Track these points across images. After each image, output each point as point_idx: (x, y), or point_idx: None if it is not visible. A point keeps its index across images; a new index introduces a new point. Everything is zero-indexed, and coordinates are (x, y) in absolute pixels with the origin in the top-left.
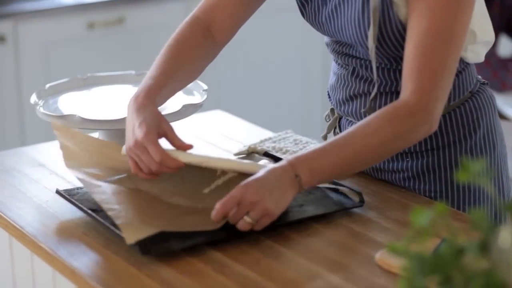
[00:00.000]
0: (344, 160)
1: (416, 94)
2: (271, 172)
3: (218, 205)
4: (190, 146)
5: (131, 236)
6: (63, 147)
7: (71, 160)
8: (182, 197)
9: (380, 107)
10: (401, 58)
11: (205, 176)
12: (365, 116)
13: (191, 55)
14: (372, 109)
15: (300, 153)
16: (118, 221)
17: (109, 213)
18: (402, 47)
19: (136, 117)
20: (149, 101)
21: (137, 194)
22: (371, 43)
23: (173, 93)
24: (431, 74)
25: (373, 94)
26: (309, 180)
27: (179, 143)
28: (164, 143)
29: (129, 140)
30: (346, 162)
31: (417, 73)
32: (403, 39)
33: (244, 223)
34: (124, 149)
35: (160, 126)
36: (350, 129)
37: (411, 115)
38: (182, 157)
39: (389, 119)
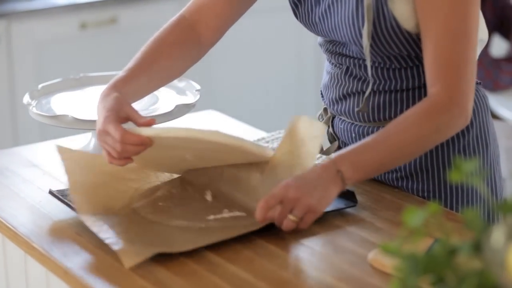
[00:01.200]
0: (385, 154)
1: (446, 91)
2: (313, 169)
3: (260, 203)
4: (153, 121)
5: (130, 260)
6: (68, 172)
7: (78, 194)
8: (184, 220)
9: (374, 106)
10: (395, 57)
11: (210, 206)
12: (358, 114)
13: (170, 50)
14: (365, 108)
15: (346, 150)
16: (115, 247)
17: (107, 241)
18: (397, 45)
19: (99, 107)
20: (113, 90)
21: (136, 221)
22: (365, 41)
23: (149, 87)
24: (456, 71)
25: (367, 93)
26: (352, 175)
27: (142, 121)
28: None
29: (97, 129)
30: (388, 157)
31: (442, 72)
32: (398, 36)
33: (288, 222)
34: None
35: (122, 110)
36: (388, 125)
37: (446, 111)
38: (144, 131)
39: (426, 114)
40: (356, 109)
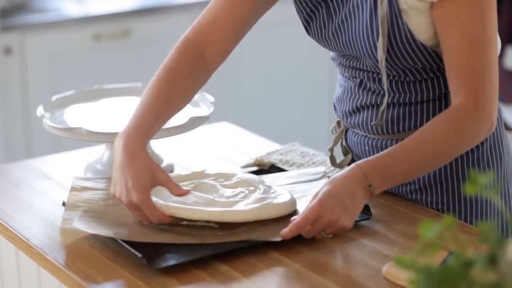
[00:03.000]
0: (413, 166)
1: (471, 99)
2: (344, 185)
3: (293, 227)
4: (187, 191)
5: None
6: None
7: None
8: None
9: (388, 118)
10: (410, 70)
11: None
12: (372, 127)
13: (182, 86)
14: (381, 122)
15: (372, 159)
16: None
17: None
18: (412, 58)
19: (128, 172)
20: (140, 148)
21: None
22: (380, 54)
23: (160, 127)
24: (479, 78)
25: (383, 106)
26: (380, 188)
27: (178, 191)
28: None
29: (122, 193)
30: (416, 168)
31: (466, 81)
32: (413, 49)
33: (315, 234)
34: None
35: (154, 179)
36: (413, 136)
37: (472, 119)
38: (179, 212)
39: (453, 123)
40: (373, 123)
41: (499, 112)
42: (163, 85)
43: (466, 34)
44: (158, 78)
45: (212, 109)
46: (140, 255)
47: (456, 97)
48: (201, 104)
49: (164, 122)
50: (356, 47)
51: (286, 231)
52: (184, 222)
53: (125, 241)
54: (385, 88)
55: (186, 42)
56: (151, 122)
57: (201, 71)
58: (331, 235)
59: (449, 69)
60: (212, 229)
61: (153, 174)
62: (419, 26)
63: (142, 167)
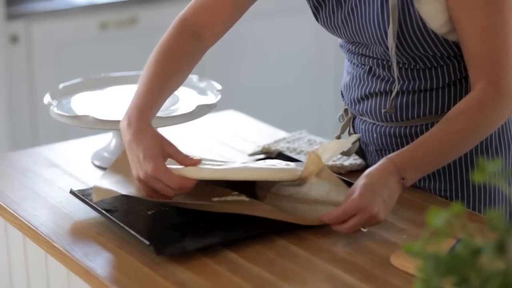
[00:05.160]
0: (443, 155)
1: (492, 85)
2: (379, 179)
3: (331, 217)
4: (199, 161)
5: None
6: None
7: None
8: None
9: (397, 106)
10: (420, 57)
11: (217, 190)
12: (380, 114)
13: (181, 64)
14: (392, 109)
15: (403, 152)
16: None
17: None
18: (422, 45)
19: (137, 147)
20: (145, 124)
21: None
22: (391, 42)
23: (161, 104)
24: (499, 63)
25: (394, 93)
26: (413, 180)
27: (188, 161)
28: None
29: (137, 170)
30: (445, 157)
31: (485, 67)
32: (424, 36)
33: (353, 229)
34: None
35: (164, 151)
36: (440, 125)
37: (496, 104)
38: (196, 173)
39: (477, 111)
40: (383, 110)
41: None
42: (162, 64)
43: (484, 22)
44: (157, 57)
45: (219, 97)
46: (147, 242)
47: (477, 83)
48: (208, 92)
49: (164, 99)
50: (366, 34)
51: (325, 218)
52: (215, 199)
53: (134, 228)
54: (395, 75)
55: (184, 22)
56: (152, 99)
57: (197, 51)
58: (366, 230)
59: (468, 57)
60: (244, 203)
61: (162, 144)
62: (431, 13)
63: (150, 139)
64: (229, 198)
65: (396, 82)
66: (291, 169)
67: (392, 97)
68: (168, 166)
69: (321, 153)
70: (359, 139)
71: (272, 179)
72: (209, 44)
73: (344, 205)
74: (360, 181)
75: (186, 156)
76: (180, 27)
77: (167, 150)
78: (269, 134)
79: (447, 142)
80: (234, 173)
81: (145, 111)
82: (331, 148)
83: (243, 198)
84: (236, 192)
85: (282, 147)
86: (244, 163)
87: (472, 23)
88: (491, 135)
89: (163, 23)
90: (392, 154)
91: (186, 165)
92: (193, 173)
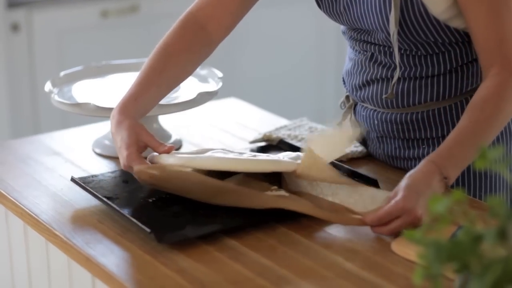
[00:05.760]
0: (476, 148)
1: (506, 69)
2: (422, 180)
3: (374, 218)
4: (172, 148)
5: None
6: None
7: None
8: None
9: (398, 92)
10: (421, 44)
11: (254, 184)
12: (381, 101)
13: (178, 57)
14: (392, 95)
15: (440, 151)
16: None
17: None
18: (424, 32)
19: (115, 138)
20: (124, 116)
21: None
22: (392, 28)
23: (159, 97)
24: (510, 47)
25: (395, 79)
26: (454, 177)
27: (162, 149)
28: None
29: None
30: (477, 148)
31: (497, 52)
32: (425, 23)
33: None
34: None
35: (140, 140)
36: (468, 117)
37: None
38: (166, 161)
39: (498, 96)
40: (384, 96)
41: None
42: (158, 57)
43: (491, 6)
44: (155, 51)
45: (220, 84)
46: (148, 230)
47: (490, 70)
48: (209, 79)
49: (160, 92)
50: (368, 20)
51: (367, 220)
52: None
53: (135, 216)
54: (397, 61)
55: (188, 16)
56: (137, 91)
57: (202, 45)
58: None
59: (478, 43)
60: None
61: (137, 134)
62: None
63: (126, 130)
64: (269, 193)
65: (398, 68)
66: (278, 161)
67: (393, 82)
68: (155, 154)
69: (318, 145)
70: (360, 126)
71: (254, 170)
72: (219, 37)
73: (388, 207)
74: (403, 183)
75: (161, 144)
76: (184, 21)
77: (143, 139)
78: (270, 122)
79: (479, 132)
80: (218, 162)
81: (127, 104)
82: (329, 142)
83: (283, 193)
84: (275, 187)
85: (283, 134)
86: (224, 151)
87: (479, 8)
88: None
89: (164, 11)
90: (430, 155)
91: (159, 153)
92: (166, 160)
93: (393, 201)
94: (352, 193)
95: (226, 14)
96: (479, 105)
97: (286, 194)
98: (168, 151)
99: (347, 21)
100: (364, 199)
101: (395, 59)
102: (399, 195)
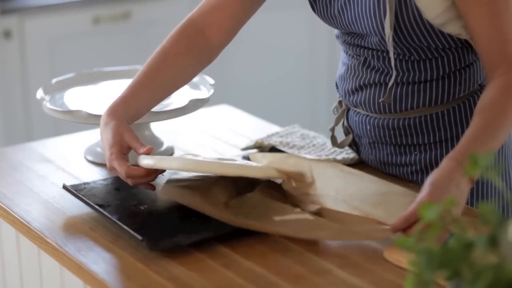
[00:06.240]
0: (495, 141)
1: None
2: (447, 177)
3: (402, 219)
4: (150, 149)
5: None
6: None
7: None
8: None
9: (393, 97)
10: (415, 48)
11: (276, 207)
12: (374, 106)
13: (174, 61)
14: (389, 98)
15: (460, 147)
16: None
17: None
18: (418, 36)
19: (102, 140)
20: (110, 118)
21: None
22: (387, 31)
23: (153, 101)
24: None
25: (391, 82)
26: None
27: (141, 151)
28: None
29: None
30: (497, 142)
31: (501, 53)
32: (419, 27)
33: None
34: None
35: (123, 140)
36: (479, 116)
37: None
38: (144, 162)
39: (506, 95)
40: (380, 100)
41: None
42: (152, 62)
43: (491, 7)
44: (151, 56)
45: (212, 91)
46: (140, 237)
47: (495, 71)
48: (201, 86)
49: (153, 96)
50: (362, 24)
51: (395, 224)
52: (278, 218)
53: (127, 223)
54: (392, 64)
55: (187, 21)
56: (127, 94)
57: (201, 49)
58: None
59: (481, 44)
60: (309, 222)
61: (121, 135)
62: (426, 3)
63: (110, 131)
64: (293, 216)
65: (393, 72)
66: (260, 167)
67: (389, 86)
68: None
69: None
70: (352, 132)
71: (239, 175)
72: (220, 41)
73: (413, 207)
74: (426, 181)
75: (141, 145)
76: (182, 26)
77: (126, 140)
78: (262, 129)
79: (494, 127)
80: (199, 165)
81: (116, 106)
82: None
83: (307, 216)
84: (299, 209)
85: (275, 141)
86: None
87: (480, 9)
88: None
89: (156, 18)
90: (449, 153)
91: (138, 154)
92: (144, 161)
93: (418, 198)
94: (378, 204)
95: (226, 18)
96: (488, 104)
97: (311, 217)
98: (147, 152)
99: (341, 24)
100: (392, 206)
101: (388, 63)
102: (423, 193)
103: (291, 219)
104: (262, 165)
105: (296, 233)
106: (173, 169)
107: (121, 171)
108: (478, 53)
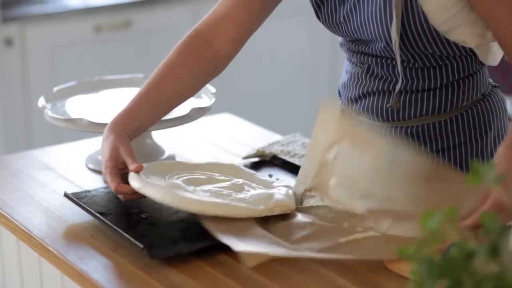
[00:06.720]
0: None
1: None
2: (507, 167)
3: (477, 216)
4: (139, 167)
5: (251, 260)
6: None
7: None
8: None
9: (400, 104)
10: (419, 56)
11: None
12: (377, 114)
13: (178, 73)
14: (397, 103)
15: (510, 136)
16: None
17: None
18: (423, 43)
19: (102, 150)
20: (110, 131)
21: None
22: (394, 36)
23: (157, 113)
24: None
25: (398, 88)
26: None
27: (131, 167)
28: None
29: None
30: None
31: None
32: (425, 33)
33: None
34: None
35: (118, 155)
36: None
37: None
38: (133, 182)
39: None
40: (387, 105)
41: (504, 103)
42: (156, 74)
43: (510, 6)
44: (157, 68)
45: (213, 100)
46: (141, 245)
47: None
48: (202, 95)
49: (157, 108)
50: (368, 30)
51: (468, 222)
52: (343, 239)
53: (128, 231)
54: (399, 69)
55: (193, 32)
56: (130, 108)
57: (207, 60)
58: None
59: (505, 44)
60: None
61: (117, 150)
62: (434, 8)
63: (108, 145)
64: (357, 236)
65: (399, 79)
66: (246, 207)
67: (396, 91)
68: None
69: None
70: None
71: (222, 215)
72: (227, 52)
73: (487, 204)
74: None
75: (133, 162)
76: (188, 37)
77: (121, 153)
78: (263, 137)
79: None
80: (182, 201)
81: (117, 120)
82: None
83: (373, 233)
84: (361, 228)
85: (276, 150)
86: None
87: (499, 8)
88: (486, 138)
89: (157, 27)
90: (501, 144)
91: (130, 170)
92: (132, 181)
93: (480, 196)
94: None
95: (232, 28)
96: None
97: (378, 234)
98: (136, 170)
99: (346, 31)
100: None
101: (392, 71)
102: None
103: (357, 239)
104: (247, 205)
105: (366, 255)
106: (155, 199)
107: (112, 187)
108: (505, 52)
